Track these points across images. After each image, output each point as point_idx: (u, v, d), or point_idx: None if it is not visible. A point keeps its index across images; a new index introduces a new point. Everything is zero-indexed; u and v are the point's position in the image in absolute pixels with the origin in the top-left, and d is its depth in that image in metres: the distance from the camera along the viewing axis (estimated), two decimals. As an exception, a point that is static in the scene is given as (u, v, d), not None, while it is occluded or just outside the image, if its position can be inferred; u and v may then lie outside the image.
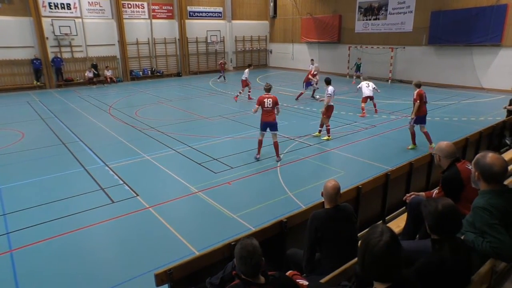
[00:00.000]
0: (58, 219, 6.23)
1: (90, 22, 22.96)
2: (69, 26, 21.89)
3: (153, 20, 25.43)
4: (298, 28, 28.59)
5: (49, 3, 21.52)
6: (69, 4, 22.10)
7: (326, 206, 3.47)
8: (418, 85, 9.17)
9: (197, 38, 27.64)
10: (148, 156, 9.27)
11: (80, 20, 22.46)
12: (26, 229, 5.93)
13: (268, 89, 8.80)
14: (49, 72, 21.90)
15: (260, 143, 8.86)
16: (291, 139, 10.46)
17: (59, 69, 22.15)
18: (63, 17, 21.93)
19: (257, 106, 8.63)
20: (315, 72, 16.65)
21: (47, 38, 21.51)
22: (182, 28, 26.53)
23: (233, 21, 29.44)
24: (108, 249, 5.52)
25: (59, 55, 22.10)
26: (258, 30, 31.19)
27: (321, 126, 10.66)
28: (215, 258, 3.46)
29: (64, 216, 6.34)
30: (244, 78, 16.59)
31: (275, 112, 8.62)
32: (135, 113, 14.40)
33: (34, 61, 21.26)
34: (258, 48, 31.69)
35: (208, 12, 28.12)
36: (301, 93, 16.64)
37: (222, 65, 23.93)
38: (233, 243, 3.37)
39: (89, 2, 22.81)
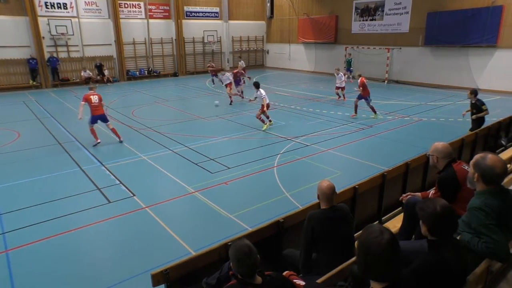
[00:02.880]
0: (54, 219, 6.20)
1: (87, 22, 22.88)
2: (66, 26, 21.79)
3: (150, 20, 25.38)
4: (295, 29, 28.66)
5: (45, 3, 21.41)
6: (66, 3, 22.00)
7: (322, 206, 3.47)
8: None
9: (194, 38, 27.61)
10: (144, 156, 9.25)
11: (76, 19, 22.37)
12: (21, 229, 5.90)
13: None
14: (45, 71, 21.79)
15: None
16: (287, 139, 10.47)
17: (55, 69, 22.05)
18: (59, 16, 21.83)
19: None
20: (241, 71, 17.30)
21: (43, 37, 21.39)
22: (178, 28, 26.48)
23: (230, 21, 29.43)
24: (105, 249, 5.50)
25: (55, 55, 21.98)
26: (255, 30, 31.21)
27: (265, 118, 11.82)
28: (212, 258, 3.45)
29: (60, 216, 6.30)
30: (229, 82, 16.43)
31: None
32: (131, 113, 14.36)
33: (30, 61, 21.14)
34: (255, 48, 31.70)
35: (205, 12, 28.10)
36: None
37: (211, 68, 22.60)
38: (229, 243, 3.36)
39: (85, 2, 22.72)
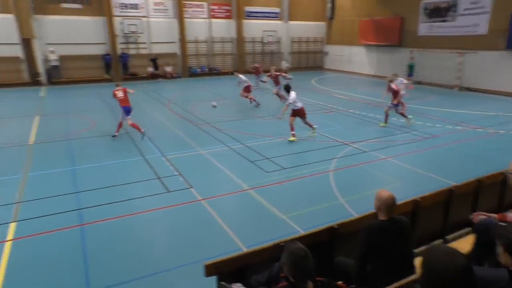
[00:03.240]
0: (119, 201, 6.72)
1: (155, 21, 24.28)
2: (136, 25, 23.37)
3: (212, 20, 26.23)
4: (356, 30, 27.70)
5: (121, 4, 23.11)
6: (137, 4, 23.57)
7: (381, 217, 3.34)
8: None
9: (253, 38, 28.02)
10: (202, 151, 9.62)
11: (146, 19, 23.85)
12: (93, 207, 6.48)
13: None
14: (117, 66, 23.55)
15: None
16: (345, 144, 10.26)
17: (126, 64, 23.75)
18: (131, 16, 23.44)
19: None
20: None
21: (117, 35, 23.15)
22: (239, 28, 27.06)
23: (290, 22, 29.42)
24: (161, 235, 5.83)
25: (126, 51, 23.69)
26: (314, 31, 30.86)
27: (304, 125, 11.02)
28: (263, 257, 3.49)
29: (125, 199, 6.82)
30: (247, 84, 15.44)
31: None
32: (192, 108, 14.97)
33: (105, 56, 23.04)
34: (314, 49, 31.35)
35: (265, 13, 28.38)
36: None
37: (257, 69, 20.86)
38: (281, 244, 3.39)
39: (154, 3, 24.12)
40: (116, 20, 22.96)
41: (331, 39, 30.96)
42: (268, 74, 16.68)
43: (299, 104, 10.42)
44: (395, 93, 11.85)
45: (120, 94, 10.72)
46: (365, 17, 26.54)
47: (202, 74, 26.42)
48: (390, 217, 3.27)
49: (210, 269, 3.28)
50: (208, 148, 9.80)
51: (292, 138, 10.41)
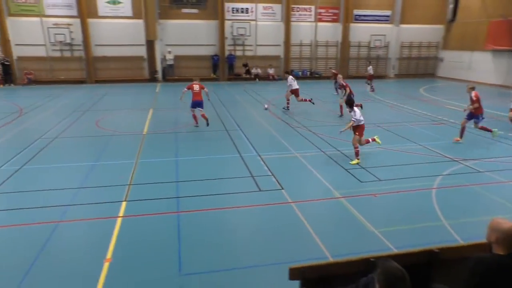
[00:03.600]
0: (213, 195, 7.11)
1: (262, 24, 25.18)
2: (245, 28, 24.54)
3: (318, 23, 26.07)
4: (481, 33, 24.35)
5: (232, 8, 24.58)
6: (247, 8, 24.75)
7: (497, 250, 2.84)
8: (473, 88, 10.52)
9: (359, 42, 27.02)
10: (297, 153, 9.62)
11: (254, 22, 24.89)
12: (189, 197, 6.98)
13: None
14: (223, 66, 25.11)
15: None
16: (454, 160, 9.19)
17: (232, 65, 25.17)
18: (241, 20, 24.72)
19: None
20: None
21: (226, 38, 24.68)
22: (345, 32, 26.38)
23: (401, 25, 27.54)
24: (249, 232, 5.98)
25: (233, 53, 25.09)
26: (429, 35, 28.28)
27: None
28: (350, 269, 3.31)
29: (218, 193, 7.20)
30: (296, 87, 14.86)
31: None
32: (290, 111, 15.10)
33: (214, 57, 24.79)
34: (427, 55, 28.80)
35: (375, 16, 27.11)
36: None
37: (335, 75, 19.94)
38: (371, 259, 3.17)
39: (263, 7, 25.02)
40: (227, 24, 24.50)
41: (448, 44, 28.03)
42: (334, 80, 15.20)
43: (363, 120, 9.15)
44: (475, 103, 10.32)
45: (196, 88, 12.00)
46: (497, 17, 23.20)
47: (303, 77, 26.48)
48: (510, 252, 2.77)
49: (295, 273, 3.23)
50: (303, 152, 9.76)
51: (355, 161, 8.90)
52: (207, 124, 12.00)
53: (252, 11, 24.91)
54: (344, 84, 14.13)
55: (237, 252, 5.33)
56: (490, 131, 10.67)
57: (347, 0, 25.78)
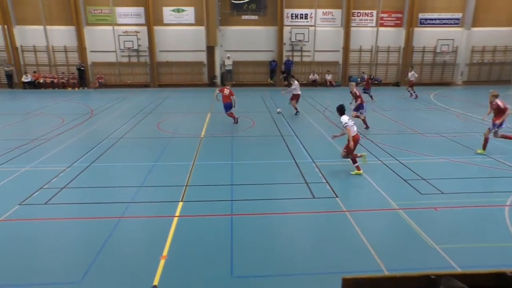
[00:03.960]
0: (266, 199, 7.14)
1: (321, 30, 24.91)
2: (303, 34, 24.47)
3: (380, 28, 25.18)
4: None
5: (292, 14, 24.66)
6: (307, 14, 24.66)
7: None
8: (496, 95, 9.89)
9: (424, 47, 25.62)
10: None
11: (313, 28, 24.71)
12: (243, 201, 7.07)
13: None
14: (280, 72, 25.23)
15: None
16: (531, 175, 8.30)
17: (289, 70, 25.14)
18: (299, 26, 24.72)
19: None
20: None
21: (284, 43, 24.80)
22: (408, 37, 25.18)
23: (473, 29, 25.63)
24: (300, 239, 5.89)
25: (290, 59, 25.11)
26: (505, 38, 25.95)
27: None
28: (408, 285, 3.12)
29: (271, 198, 7.22)
30: (298, 93, 15.14)
31: None
32: (346, 118, 14.70)
33: (271, 63, 25.02)
34: (503, 60, 26.42)
35: (443, 19, 25.54)
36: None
37: (367, 82, 19.73)
38: (432, 277, 2.95)
39: (323, 12, 24.76)
40: (286, 29, 24.62)
41: (527, 48, 25.56)
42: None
43: (355, 129, 8.50)
44: (501, 112, 9.69)
45: (226, 91, 12.97)
46: None
47: (362, 83, 25.69)
48: None
49: (349, 284, 3.11)
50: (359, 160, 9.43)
51: (356, 172, 8.39)
52: (236, 122, 13.28)
53: (311, 17, 24.79)
54: (358, 94, 12.72)
55: (289, 258, 5.27)
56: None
57: (412, 3, 24.60)
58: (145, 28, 24.26)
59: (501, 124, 9.74)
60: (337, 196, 7.21)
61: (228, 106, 13.20)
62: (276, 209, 6.78)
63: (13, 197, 7.16)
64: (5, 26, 23.37)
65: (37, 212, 6.65)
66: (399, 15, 25.35)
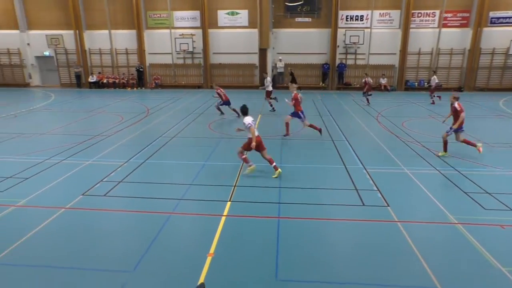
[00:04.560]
0: (314, 204, 7.00)
1: (377, 32, 24.05)
2: (358, 36, 23.79)
3: (442, 29, 23.73)
4: None
5: (347, 16, 24.08)
6: (363, 16, 23.94)
7: None
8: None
9: (494, 49, 23.71)
10: (407, 170, 8.85)
11: (368, 30, 23.93)
12: (291, 204, 7.00)
13: None
14: (333, 76, 24.74)
15: None
16: None
17: (342, 74, 24.64)
18: (354, 28, 24.06)
19: None
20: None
21: (338, 46, 24.29)
22: (476, 37, 23.42)
23: (552, 29, 23.24)
24: (348, 246, 5.69)
25: (344, 61, 24.53)
26: None
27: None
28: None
29: (319, 203, 7.05)
30: (270, 90, 16.16)
31: None
32: (402, 124, 14.04)
33: (324, 66, 24.62)
34: None
35: (518, 18, 23.44)
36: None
37: (368, 85, 19.08)
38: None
39: (380, 13, 23.88)
40: (339, 32, 24.09)
41: None
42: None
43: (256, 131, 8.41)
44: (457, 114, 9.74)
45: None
46: None
47: (419, 88, 24.43)
48: None
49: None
50: (415, 168, 8.94)
51: (248, 169, 8.45)
52: (238, 115, 14.15)
53: (367, 18, 24.03)
54: (294, 97, 11.99)
55: (335, 265, 5.12)
56: (474, 145, 9.93)
57: (482, 1, 22.80)
58: (200, 31, 25.05)
59: (459, 128, 9.82)
60: (388, 205, 6.88)
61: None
62: (324, 214, 6.63)
63: (77, 187, 7.72)
64: (77, 31, 25.44)
65: (97, 202, 7.11)
66: (465, 14, 23.72)
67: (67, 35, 25.81)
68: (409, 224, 6.17)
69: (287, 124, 12.12)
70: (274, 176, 8.34)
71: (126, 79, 26.26)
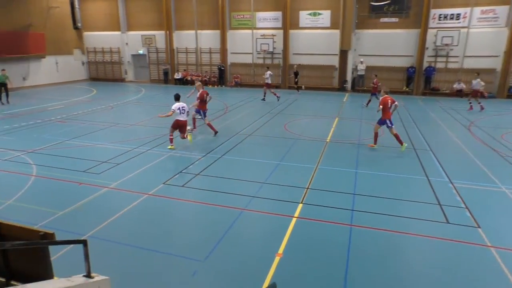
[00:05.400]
0: (389, 215, 6.57)
1: (476, 31, 21.72)
2: (452, 37, 21.78)
3: (559, 30, 20.58)
4: None
5: (440, 15, 22.20)
6: (459, 14, 21.83)
7: None
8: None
9: None
10: (505, 188, 7.85)
11: (465, 30, 21.74)
12: (364, 212, 6.67)
13: None
14: (419, 80, 23.03)
15: None
16: None
17: (429, 78, 22.81)
18: (448, 28, 22.05)
19: None
20: None
21: (427, 48, 22.52)
22: None
23: None
24: (427, 265, 5.19)
25: (432, 65, 22.67)
26: None
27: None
28: None
29: (396, 215, 6.59)
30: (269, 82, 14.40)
31: None
32: (501, 136, 12.51)
33: (409, 69, 23.01)
34: None
35: None
36: None
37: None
38: None
39: (482, 10, 21.49)
40: (430, 32, 22.31)
41: None
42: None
43: (183, 117, 10.57)
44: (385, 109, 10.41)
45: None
46: None
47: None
48: None
49: None
50: (513, 187, 7.91)
51: (170, 146, 10.53)
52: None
53: (465, 17, 21.82)
54: (199, 95, 12.64)
55: (409, 284, 4.73)
56: (401, 143, 10.44)
57: None
58: (281, 32, 25.20)
59: (384, 121, 10.55)
60: (479, 226, 6.16)
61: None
62: (400, 227, 6.17)
63: (159, 176, 8.30)
64: (167, 32, 27.46)
65: (175, 192, 7.55)
66: None
67: (159, 35, 27.98)
68: (506, 252, 5.44)
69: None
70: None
71: (208, 77, 27.54)
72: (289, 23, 24.85)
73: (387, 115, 10.68)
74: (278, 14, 25.17)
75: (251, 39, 25.92)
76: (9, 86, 18.34)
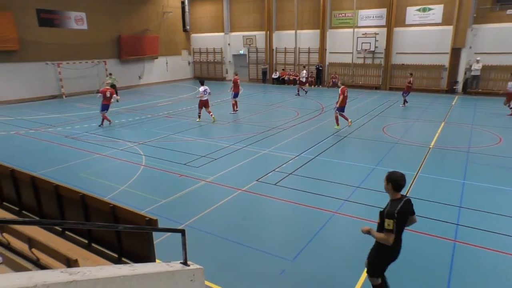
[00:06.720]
0: (502, 234, 5.81)
1: None
2: None
3: None
4: None
5: None
6: None
7: None
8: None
9: None
10: None
11: None
12: (472, 228, 6.03)
13: None
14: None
15: None
16: None
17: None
18: None
19: None
20: None
21: None
22: None
23: None
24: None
25: None
26: None
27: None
28: None
29: (506, 234, 5.82)
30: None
31: None
32: None
33: None
34: None
35: None
36: None
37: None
38: None
39: None
40: None
41: None
42: None
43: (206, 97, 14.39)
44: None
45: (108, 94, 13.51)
46: None
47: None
48: None
49: None
50: None
51: (198, 120, 14.59)
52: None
53: None
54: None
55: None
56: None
57: None
58: (384, 30, 23.87)
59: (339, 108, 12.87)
60: None
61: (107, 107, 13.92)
62: (508, 248, 5.40)
63: (253, 173, 8.66)
64: (267, 32, 28.26)
65: (268, 189, 7.80)
66: None
67: (259, 36, 28.98)
68: None
69: None
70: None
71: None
72: (394, 21, 23.41)
73: None
74: (383, 11, 23.90)
75: (351, 38, 25.13)
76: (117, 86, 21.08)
